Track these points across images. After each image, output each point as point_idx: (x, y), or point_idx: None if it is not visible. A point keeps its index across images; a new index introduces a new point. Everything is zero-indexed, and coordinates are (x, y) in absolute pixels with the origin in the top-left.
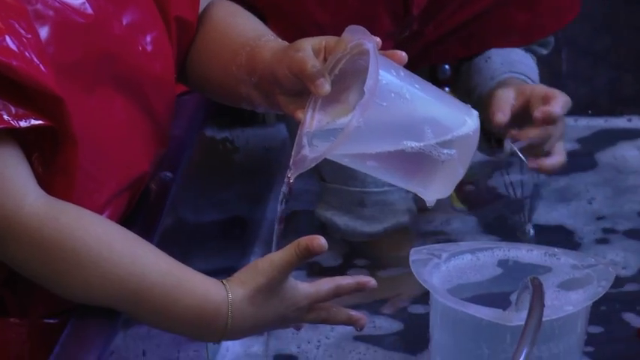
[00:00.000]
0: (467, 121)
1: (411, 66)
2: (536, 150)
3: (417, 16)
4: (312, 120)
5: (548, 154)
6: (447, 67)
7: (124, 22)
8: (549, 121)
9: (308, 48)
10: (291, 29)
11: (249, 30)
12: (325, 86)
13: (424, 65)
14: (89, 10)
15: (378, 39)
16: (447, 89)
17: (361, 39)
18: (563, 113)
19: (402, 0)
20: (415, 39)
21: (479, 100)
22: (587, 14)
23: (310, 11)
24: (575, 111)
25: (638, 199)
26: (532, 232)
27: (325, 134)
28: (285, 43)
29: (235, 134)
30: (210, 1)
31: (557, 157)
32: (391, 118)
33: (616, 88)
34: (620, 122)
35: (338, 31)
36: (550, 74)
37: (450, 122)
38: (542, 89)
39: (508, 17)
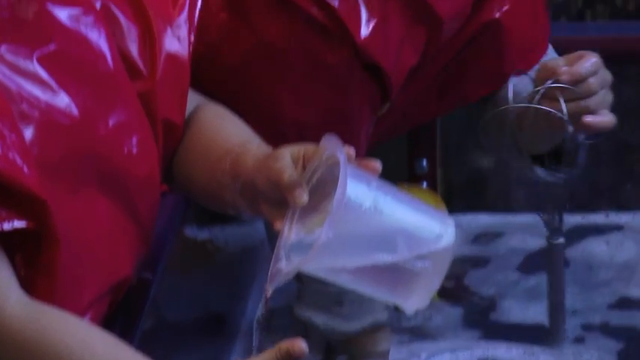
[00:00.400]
0: (442, 232)
1: (393, 132)
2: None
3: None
4: (290, 231)
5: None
6: (424, 162)
7: (110, 124)
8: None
9: (287, 157)
10: (268, 126)
11: (235, 135)
12: (302, 197)
13: (403, 131)
14: (75, 112)
15: (352, 149)
16: (424, 184)
17: (334, 149)
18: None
19: (379, 90)
20: (392, 110)
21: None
22: None
23: (288, 109)
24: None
25: (609, 293)
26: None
27: (302, 246)
28: (269, 149)
29: (215, 232)
30: (197, 104)
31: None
32: (363, 230)
33: (595, 182)
34: (598, 218)
35: (317, 128)
36: None
37: (425, 234)
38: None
39: (481, 68)
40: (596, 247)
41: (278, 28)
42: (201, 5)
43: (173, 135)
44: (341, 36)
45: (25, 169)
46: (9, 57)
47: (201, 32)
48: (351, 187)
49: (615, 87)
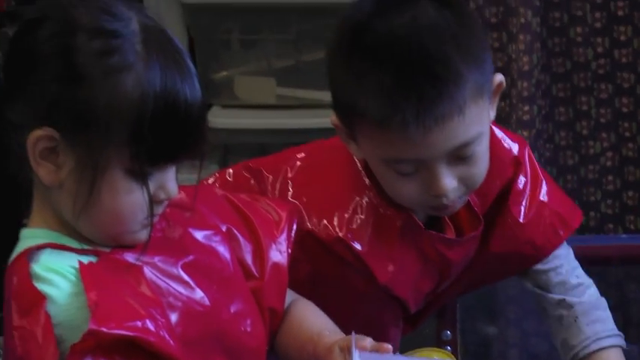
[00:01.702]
0: None
1: (418, 321)
2: None
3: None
4: None
5: None
6: (448, 332)
7: (232, 310)
8: None
9: (336, 349)
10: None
11: (316, 324)
12: None
13: (426, 317)
14: (207, 302)
15: (367, 340)
16: (448, 348)
17: (353, 338)
18: None
19: (401, 307)
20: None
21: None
22: None
23: (332, 315)
24: None
25: None
26: None
27: None
28: (338, 334)
29: None
30: (292, 298)
31: None
32: None
33: None
34: None
35: (356, 328)
36: None
37: None
38: None
39: (492, 274)
40: None
41: (326, 265)
42: None
43: (275, 319)
44: (369, 275)
45: (172, 343)
46: (160, 265)
47: None
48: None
49: None
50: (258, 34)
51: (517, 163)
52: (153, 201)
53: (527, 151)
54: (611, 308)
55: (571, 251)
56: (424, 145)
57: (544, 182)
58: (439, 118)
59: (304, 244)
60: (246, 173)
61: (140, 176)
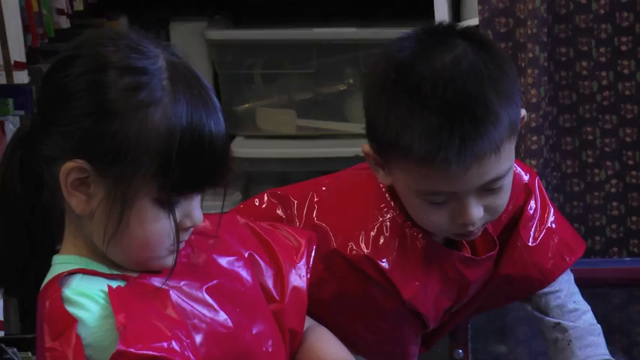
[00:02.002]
0: None
1: (431, 341)
2: None
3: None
4: None
5: None
6: (460, 352)
7: (254, 332)
8: None
9: None
10: (347, 340)
11: (331, 352)
12: None
13: (440, 338)
14: (230, 324)
15: None
16: None
17: None
18: None
19: (421, 323)
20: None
21: None
22: None
23: (358, 332)
24: None
25: None
26: None
27: None
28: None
29: None
30: (309, 324)
31: None
32: None
33: None
34: None
35: (378, 344)
36: None
37: None
38: None
39: (504, 296)
40: None
41: (351, 282)
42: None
43: (295, 340)
44: (393, 292)
45: None
46: (186, 288)
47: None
48: None
49: None
50: (279, 69)
51: (528, 190)
52: (179, 228)
53: (537, 181)
54: (615, 329)
55: (572, 277)
56: (462, 180)
57: (552, 210)
58: (479, 156)
59: (331, 263)
60: (273, 199)
61: (167, 205)
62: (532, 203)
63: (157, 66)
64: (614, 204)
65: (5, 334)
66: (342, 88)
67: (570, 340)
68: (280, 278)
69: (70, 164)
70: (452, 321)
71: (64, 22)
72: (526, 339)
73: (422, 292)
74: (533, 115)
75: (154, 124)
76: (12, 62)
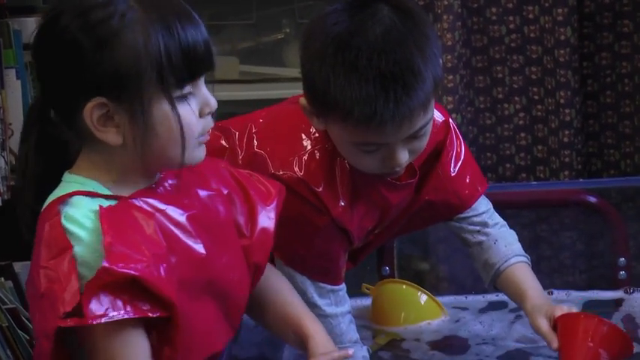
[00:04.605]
0: None
1: (358, 258)
2: None
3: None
4: None
5: None
6: (387, 268)
7: (223, 261)
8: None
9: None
10: (289, 260)
11: (298, 310)
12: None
13: (365, 255)
14: (203, 251)
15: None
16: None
17: None
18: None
19: (348, 239)
20: (379, 235)
21: (496, 274)
22: None
23: (297, 250)
24: None
25: None
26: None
27: None
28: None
29: None
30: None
31: None
32: None
33: None
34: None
35: (313, 259)
36: None
37: None
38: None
39: (426, 218)
40: None
41: (288, 204)
42: None
43: (258, 273)
44: (324, 210)
45: (168, 285)
46: (170, 212)
47: None
48: None
49: None
50: (223, 21)
51: (447, 127)
52: (201, 115)
53: (451, 120)
54: (524, 246)
55: (487, 200)
56: (394, 134)
57: (463, 146)
58: (410, 115)
59: None
60: (216, 131)
61: (181, 99)
62: (450, 140)
63: None
64: (522, 135)
65: None
66: (279, 37)
67: (496, 240)
68: (252, 217)
69: (88, 105)
70: (377, 240)
71: None
72: (445, 257)
73: (348, 211)
74: (449, 57)
75: (135, 41)
76: None
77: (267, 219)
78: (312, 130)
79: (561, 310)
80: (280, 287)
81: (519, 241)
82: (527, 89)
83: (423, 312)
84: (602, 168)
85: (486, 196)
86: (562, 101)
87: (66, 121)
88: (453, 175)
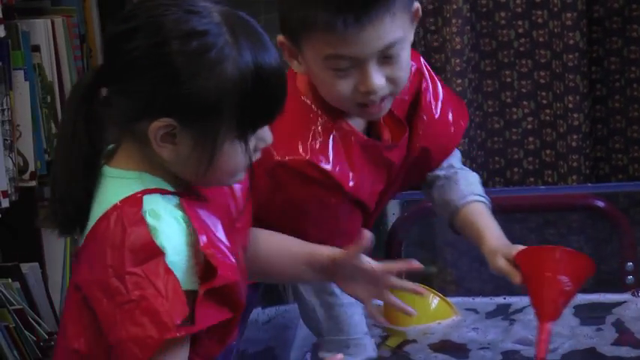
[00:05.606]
0: None
1: (367, 224)
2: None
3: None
4: None
5: None
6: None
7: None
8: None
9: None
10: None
11: (298, 245)
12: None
13: (374, 219)
14: (227, 244)
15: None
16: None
17: None
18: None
19: (361, 210)
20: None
21: (454, 212)
22: None
23: (310, 232)
24: None
25: None
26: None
27: None
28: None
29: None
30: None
31: None
32: None
33: None
34: None
35: (329, 240)
36: None
37: None
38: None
39: (419, 168)
40: None
41: (297, 188)
42: (254, 183)
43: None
44: (335, 187)
45: (241, 284)
46: (210, 214)
47: (254, 195)
48: None
49: None
50: None
51: (420, 73)
52: (256, 150)
53: (422, 62)
54: None
55: (458, 152)
56: (360, 42)
57: (439, 84)
58: (374, 19)
59: (275, 174)
60: None
61: (246, 138)
62: (425, 82)
63: (214, 23)
64: (531, 139)
65: None
66: None
67: (458, 180)
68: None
69: (157, 124)
70: (382, 201)
71: None
72: (453, 261)
73: (359, 181)
74: (458, 61)
75: (227, 76)
76: None
77: (239, 191)
78: (310, 113)
79: (516, 249)
80: (275, 238)
81: (525, 243)
82: (535, 93)
83: (435, 312)
84: (610, 172)
85: (494, 201)
86: (570, 106)
87: (122, 117)
88: (437, 117)
